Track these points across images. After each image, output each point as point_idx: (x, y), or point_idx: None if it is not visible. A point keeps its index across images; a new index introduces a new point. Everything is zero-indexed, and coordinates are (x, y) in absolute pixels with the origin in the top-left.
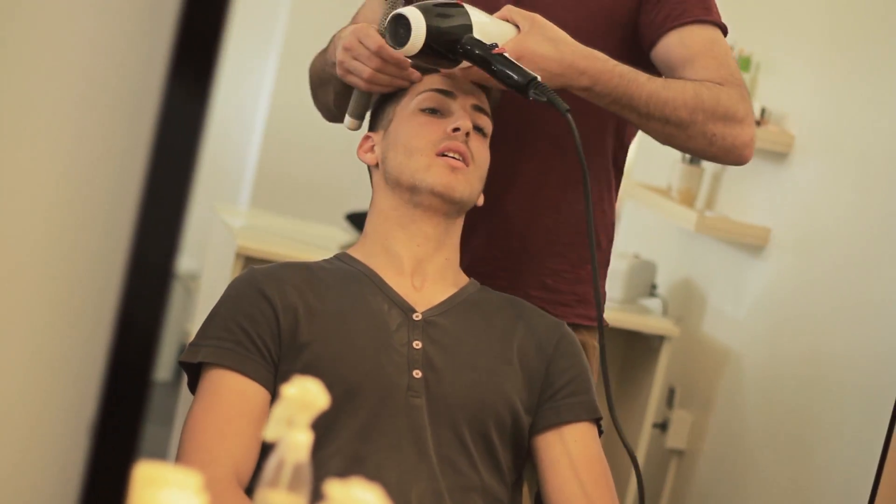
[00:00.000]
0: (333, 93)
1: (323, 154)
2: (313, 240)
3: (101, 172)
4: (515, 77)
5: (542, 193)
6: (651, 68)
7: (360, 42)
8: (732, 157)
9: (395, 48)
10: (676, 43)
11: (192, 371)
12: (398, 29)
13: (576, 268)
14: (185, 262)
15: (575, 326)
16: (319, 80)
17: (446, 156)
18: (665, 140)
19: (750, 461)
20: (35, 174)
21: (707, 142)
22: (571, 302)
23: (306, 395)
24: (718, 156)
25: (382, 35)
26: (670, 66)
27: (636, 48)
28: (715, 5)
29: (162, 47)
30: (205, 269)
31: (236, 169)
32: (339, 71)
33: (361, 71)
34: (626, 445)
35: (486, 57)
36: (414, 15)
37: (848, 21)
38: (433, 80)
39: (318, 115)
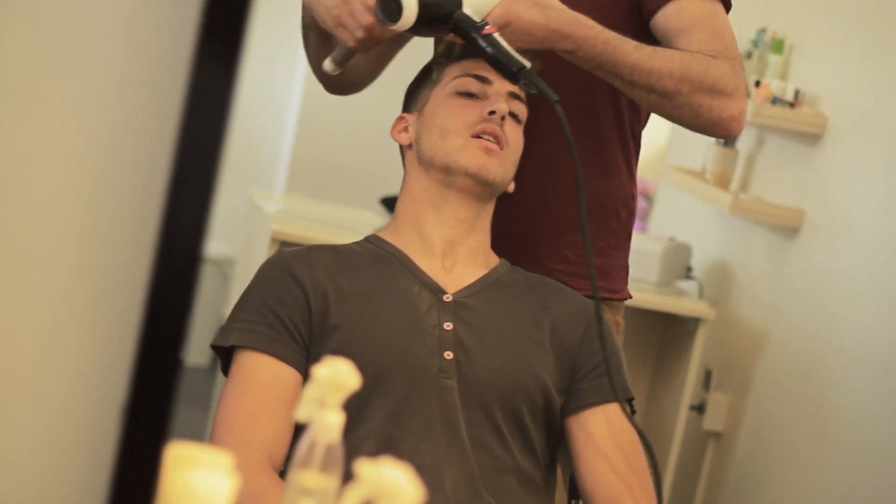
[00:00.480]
0: (319, 38)
1: (358, 138)
2: (348, 224)
3: (129, 156)
4: (504, 62)
5: (556, 167)
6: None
7: (351, 15)
8: (719, 129)
9: (387, 24)
10: (674, 13)
11: (225, 355)
12: (389, 3)
13: (595, 240)
14: (222, 247)
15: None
16: (305, 31)
17: (481, 138)
18: (651, 108)
19: (787, 443)
20: (63, 160)
21: (693, 113)
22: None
23: (337, 375)
24: (706, 127)
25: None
26: (667, 36)
27: (642, 20)
28: None
29: (188, 29)
30: (241, 254)
31: (272, 155)
32: (329, 23)
33: (347, 39)
34: (634, 426)
35: (476, 37)
36: None
37: (882, 2)
38: (471, 65)
39: (352, 100)
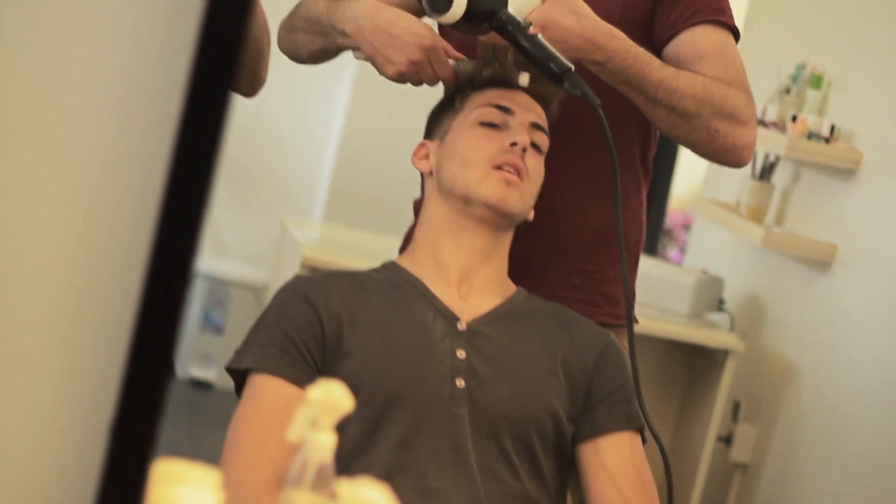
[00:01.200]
0: (318, 51)
1: (397, 168)
2: (379, 252)
3: (122, 171)
4: (550, 65)
5: (567, 195)
6: None
7: (431, 63)
8: (731, 156)
9: (433, 15)
10: (687, 42)
11: (240, 377)
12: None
13: (603, 267)
14: (257, 273)
15: (606, 326)
16: (310, 27)
17: (502, 169)
18: (668, 129)
19: (814, 477)
20: (57, 174)
21: (709, 137)
22: (600, 302)
23: (330, 396)
24: (718, 153)
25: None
26: (679, 64)
27: (653, 47)
28: (729, 8)
29: (185, 48)
30: (274, 281)
31: (310, 183)
32: (390, 75)
33: (414, 81)
34: (653, 434)
35: (520, 37)
36: None
37: None
38: (493, 95)
39: (393, 128)
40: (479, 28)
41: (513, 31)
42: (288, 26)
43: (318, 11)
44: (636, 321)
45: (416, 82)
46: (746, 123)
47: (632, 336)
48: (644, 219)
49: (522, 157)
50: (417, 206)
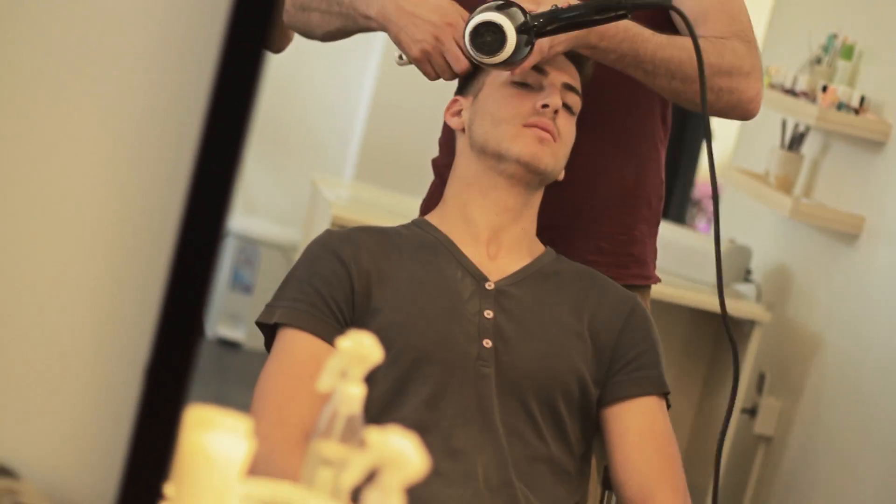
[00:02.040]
0: (335, 32)
1: (428, 128)
2: (409, 211)
3: (156, 130)
4: (604, 14)
5: (592, 160)
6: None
7: (442, 56)
8: (739, 111)
9: (479, 56)
10: (690, 0)
11: (270, 332)
12: (485, 36)
13: (630, 229)
14: (287, 232)
15: (633, 287)
16: (328, 7)
17: (534, 127)
18: (673, 96)
19: (838, 450)
20: (93, 138)
21: (714, 96)
22: (628, 263)
23: (360, 348)
24: (726, 111)
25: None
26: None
27: (663, 13)
28: None
29: (220, 5)
30: (304, 240)
31: (342, 142)
32: (414, 55)
33: (443, 71)
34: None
35: (567, 19)
36: (506, 24)
37: None
38: None
39: (424, 87)
40: (520, 53)
41: (553, 19)
42: (300, 5)
43: None
44: (658, 280)
45: (437, 65)
46: (749, 75)
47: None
48: (663, 177)
49: (554, 119)
50: (436, 165)
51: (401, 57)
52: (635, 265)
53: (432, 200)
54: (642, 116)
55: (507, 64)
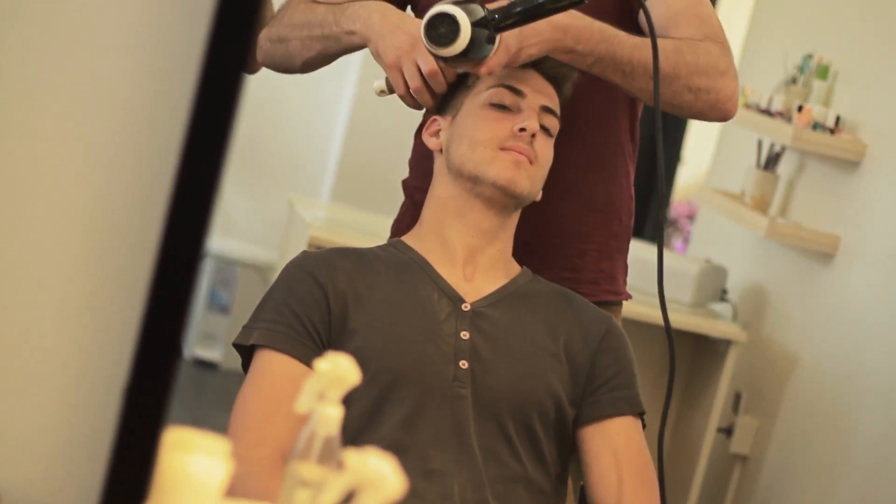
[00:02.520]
0: (316, 57)
1: (404, 149)
2: (386, 232)
3: (135, 152)
4: (560, 2)
5: (565, 177)
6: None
7: (415, 61)
8: (717, 112)
9: (435, 48)
10: (660, 3)
11: (246, 353)
12: (439, 28)
13: (601, 245)
14: (263, 253)
15: (604, 303)
16: (308, 33)
17: (510, 151)
18: (651, 99)
19: (814, 469)
20: (72, 160)
21: (693, 96)
22: (599, 279)
23: (338, 369)
24: (704, 111)
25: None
26: (654, 24)
27: (631, 19)
28: None
29: (199, 29)
30: (281, 260)
31: (318, 163)
32: (388, 61)
33: (413, 78)
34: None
35: (522, 10)
36: (459, 14)
37: None
38: (506, 76)
39: (400, 110)
40: (471, 57)
41: (509, 13)
42: (276, 38)
43: (319, 17)
44: (629, 297)
45: (408, 72)
46: (725, 74)
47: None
48: (633, 192)
49: (531, 143)
50: (406, 186)
51: (383, 91)
52: (606, 281)
53: (403, 222)
54: (611, 132)
55: (471, 61)
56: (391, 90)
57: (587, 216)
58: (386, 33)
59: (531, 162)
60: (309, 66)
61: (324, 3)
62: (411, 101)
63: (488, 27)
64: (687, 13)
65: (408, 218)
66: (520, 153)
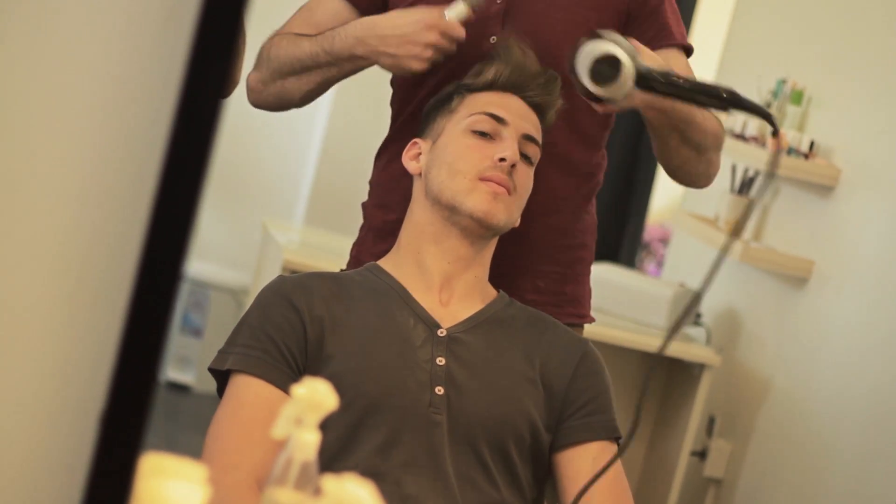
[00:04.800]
0: (315, 88)
1: None
2: None
3: (114, 175)
4: (712, 93)
5: (533, 201)
6: None
7: (446, 35)
8: (707, 181)
9: (599, 90)
10: (674, 60)
11: (222, 378)
12: (601, 70)
13: (565, 269)
14: (237, 276)
15: (569, 327)
16: (301, 67)
17: (489, 181)
18: (681, 163)
19: (788, 493)
20: (47, 177)
21: (706, 168)
22: (562, 302)
23: (315, 395)
24: (700, 181)
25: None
26: None
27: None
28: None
29: (178, 54)
30: (255, 283)
31: (292, 186)
32: (416, 66)
33: (439, 60)
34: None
35: (681, 87)
36: (624, 57)
37: None
38: (488, 102)
39: (375, 134)
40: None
41: (662, 79)
42: (269, 78)
43: (308, 51)
44: (592, 320)
45: (440, 48)
46: (720, 148)
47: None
48: (596, 218)
49: (510, 173)
50: (365, 209)
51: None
52: (570, 304)
53: (363, 245)
54: (582, 160)
55: (597, 98)
56: (474, 6)
57: (550, 240)
58: (395, 50)
59: (509, 192)
60: (308, 98)
61: (304, 36)
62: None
63: (639, 80)
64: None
65: (368, 241)
66: (498, 184)
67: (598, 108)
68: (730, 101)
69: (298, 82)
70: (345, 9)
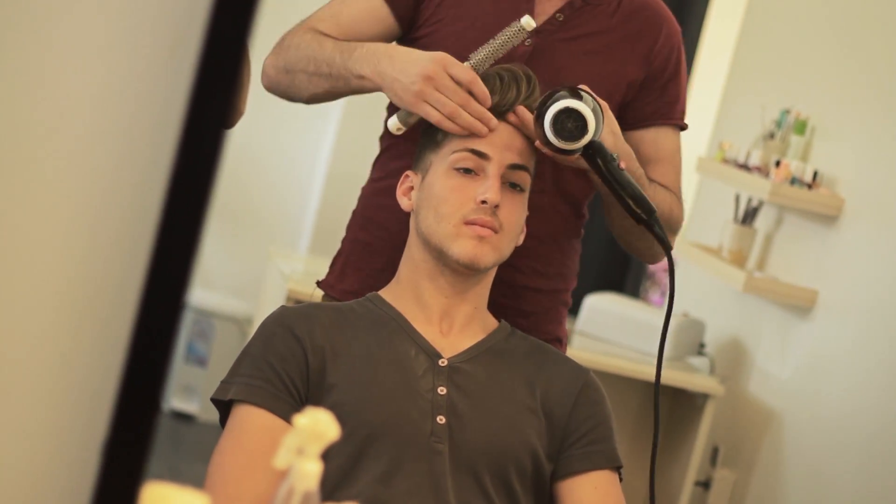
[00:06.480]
0: (322, 94)
1: None
2: None
3: (118, 205)
4: (641, 204)
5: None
6: None
7: (447, 72)
8: (649, 259)
9: (555, 140)
10: (650, 140)
11: (225, 408)
12: (566, 123)
13: (548, 309)
14: (242, 305)
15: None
16: (316, 69)
17: (474, 224)
18: (625, 236)
19: None
20: (52, 209)
21: (648, 246)
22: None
23: (317, 424)
24: (644, 257)
25: (531, 110)
26: (636, 153)
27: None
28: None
29: (181, 85)
30: (258, 312)
31: (297, 215)
32: (410, 100)
33: (444, 104)
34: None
35: (612, 169)
36: (589, 116)
37: None
38: (471, 140)
39: None
40: (570, 151)
41: (603, 161)
42: (283, 67)
43: (327, 55)
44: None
45: (444, 87)
46: (677, 232)
47: (658, 397)
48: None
49: (495, 213)
50: (344, 242)
51: (399, 128)
52: (550, 344)
53: (346, 281)
54: (572, 216)
55: (553, 147)
56: (406, 124)
57: (538, 282)
58: (398, 76)
59: (496, 231)
60: (315, 100)
61: (331, 37)
62: (450, 125)
63: (585, 150)
64: (668, 162)
65: (349, 275)
66: (483, 226)
67: (546, 152)
68: (646, 221)
69: (308, 82)
70: (379, 6)
